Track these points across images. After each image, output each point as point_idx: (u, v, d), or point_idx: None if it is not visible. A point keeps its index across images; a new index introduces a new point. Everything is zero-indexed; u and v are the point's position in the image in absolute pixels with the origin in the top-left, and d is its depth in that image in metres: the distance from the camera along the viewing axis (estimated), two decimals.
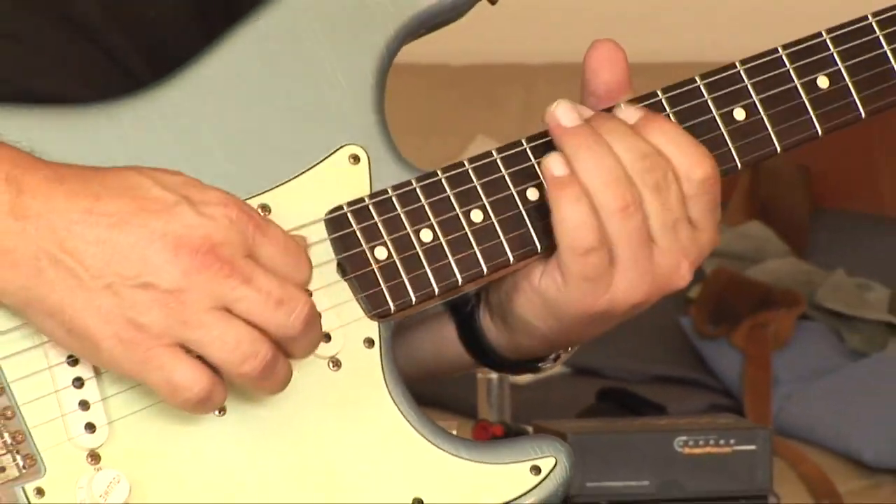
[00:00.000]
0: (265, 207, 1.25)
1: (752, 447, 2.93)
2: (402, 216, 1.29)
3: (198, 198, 1.17)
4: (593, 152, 1.22)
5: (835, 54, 1.31)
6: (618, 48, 1.31)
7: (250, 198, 1.26)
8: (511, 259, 1.25)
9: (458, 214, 1.26)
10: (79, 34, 1.36)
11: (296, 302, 1.16)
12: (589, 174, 1.21)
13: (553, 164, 1.22)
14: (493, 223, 1.26)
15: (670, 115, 1.29)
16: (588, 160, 1.21)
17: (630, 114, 1.23)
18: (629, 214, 1.22)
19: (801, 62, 1.30)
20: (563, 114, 1.23)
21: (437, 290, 1.25)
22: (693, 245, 1.23)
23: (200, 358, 1.12)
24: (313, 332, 1.18)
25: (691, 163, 1.26)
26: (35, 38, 1.34)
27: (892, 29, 1.33)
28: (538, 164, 1.25)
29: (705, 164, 1.26)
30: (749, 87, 1.30)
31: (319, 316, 1.21)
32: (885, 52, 1.33)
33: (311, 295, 1.22)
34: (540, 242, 1.25)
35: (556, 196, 1.21)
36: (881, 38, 1.34)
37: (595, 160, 1.22)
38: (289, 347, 1.15)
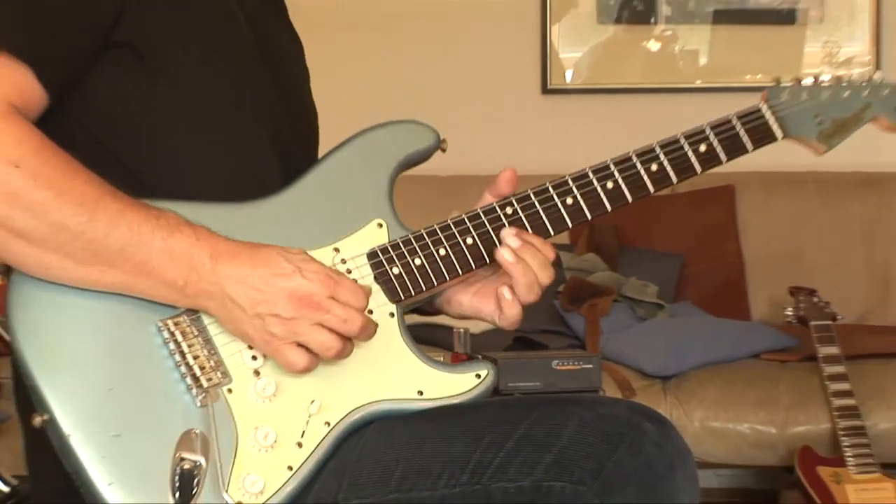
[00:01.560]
0: (337, 249, 1.83)
1: (591, 365, 3.60)
2: (405, 253, 1.85)
3: (304, 266, 1.70)
4: (531, 258, 1.83)
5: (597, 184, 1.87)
6: (514, 174, 1.90)
7: (331, 244, 1.83)
8: (460, 273, 1.85)
9: (433, 251, 1.84)
10: (274, 151, 1.90)
11: (355, 320, 1.71)
12: (527, 260, 1.81)
13: (507, 254, 1.82)
14: (450, 257, 1.84)
15: (518, 213, 1.86)
16: (522, 259, 1.81)
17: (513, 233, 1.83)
18: (532, 282, 1.82)
19: (594, 177, 1.87)
20: (508, 234, 1.83)
21: (423, 289, 1.85)
22: (544, 283, 1.84)
23: (307, 348, 1.70)
24: (366, 333, 1.73)
25: (547, 250, 1.85)
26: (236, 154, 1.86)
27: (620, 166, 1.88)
28: (493, 231, 1.84)
29: (551, 252, 1.86)
30: (573, 187, 1.87)
31: (371, 324, 1.73)
32: (616, 179, 1.87)
33: (370, 312, 1.78)
34: (474, 266, 1.85)
35: (509, 267, 1.82)
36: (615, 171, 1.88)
37: (526, 259, 1.82)
38: (354, 339, 1.72)
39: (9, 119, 1.62)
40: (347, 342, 1.71)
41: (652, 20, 5.02)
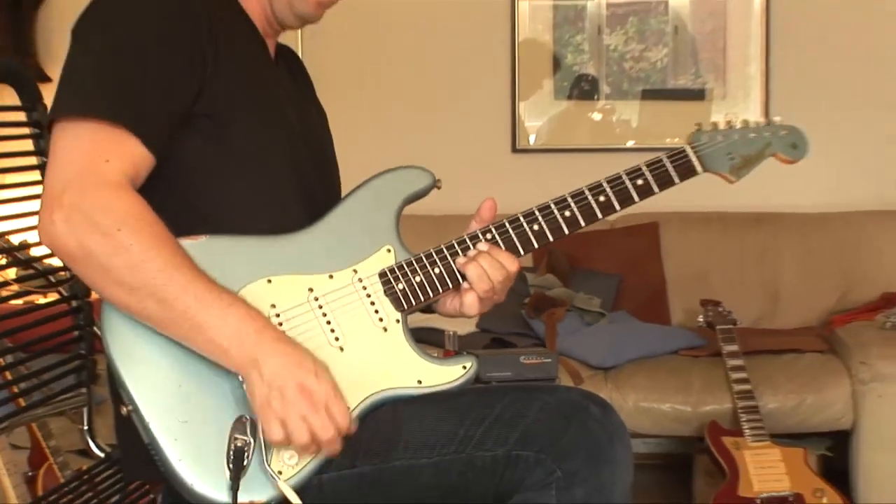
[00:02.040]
0: (356, 270, 1.80)
1: (550, 360, 3.46)
2: (408, 272, 1.82)
3: (321, 374, 1.66)
4: (490, 268, 1.82)
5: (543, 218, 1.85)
6: (493, 202, 1.87)
7: (350, 266, 1.81)
8: (450, 287, 1.83)
9: (429, 269, 1.82)
10: (302, 194, 1.87)
11: (330, 432, 1.65)
12: (489, 273, 1.81)
13: (473, 268, 1.81)
14: (443, 274, 1.82)
15: (496, 237, 1.84)
16: (487, 271, 1.81)
17: (486, 246, 1.82)
18: (491, 287, 1.82)
19: (554, 207, 1.85)
20: (483, 245, 1.83)
21: (422, 301, 1.82)
22: (502, 292, 1.86)
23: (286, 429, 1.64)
24: (330, 447, 1.67)
25: (510, 263, 1.83)
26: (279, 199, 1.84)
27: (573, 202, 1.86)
28: (455, 260, 1.82)
29: (514, 265, 1.84)
30: (539, 216, 1.84)
31: (338, 445, 1.67)
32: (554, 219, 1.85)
33: (381, 320, 1.79)
34: (460, 281, 1.83)
35: (475, 279, 1.82)
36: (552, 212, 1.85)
37: (489, 270, 1.81)
38: (320, 445, 1.67)
39: (121, 192, 1.62)
40: (313, 444, 1.67)
41: (595, 97, 4.99)
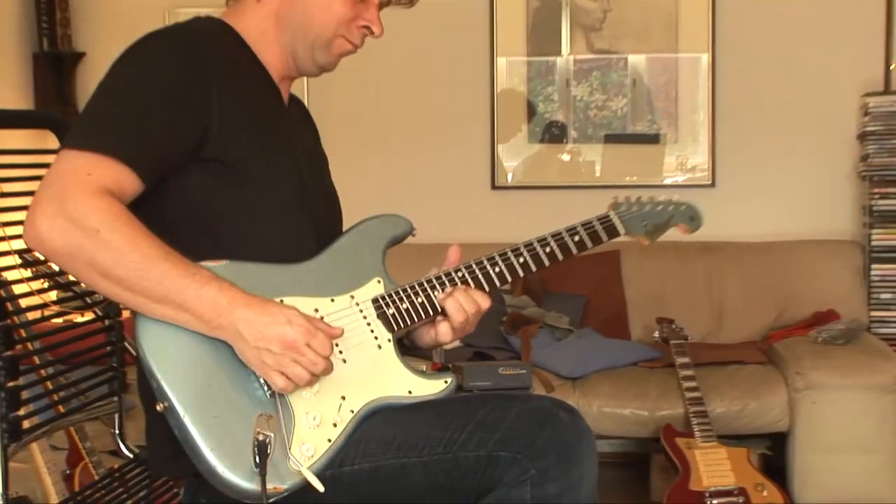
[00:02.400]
0: (353, 296, 1.81)
1: (525, 371, 3.53)
2: (396, 300, 1.83)
3: (294, 320, 1.66)
4: (465, 303, 1.85)
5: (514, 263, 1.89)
6: (459, 251, 1.90)
7: (348, 293, 1.81)
8: (431, 314, 1.84)
9: (413, 299, 1.84)
10: (310, 234, 1.86)
11: (320, 363, 1.67)
12: (465, 307, 1.84)
13: (451, 303, 1.84)
14: (426, 303, 1.84)
15: (466, 276, 1.87)
16: (462, 305, 1.84)
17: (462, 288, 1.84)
18: (465, 319, 1.85)
19: (511, 254, 1.89)
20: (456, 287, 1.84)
21: (409, 324, 1.84)
22: (473, 324, 1.87)
23: (287, 375, 1.66)
24: (326, 373, 1.69)
25: (483, 300, 1.86)
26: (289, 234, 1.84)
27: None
28: (438, 295, 1.84)
29: (487, 302, 1.87)
30: (499, 260, 1.89)
31: (330, 366, 1.69)
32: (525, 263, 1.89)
33: (376, 339, 1.80)
34: (439, 310, 1.85)
35: (453, 312, 1.84)
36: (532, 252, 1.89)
37: (464, 304, 1.84)
38: (319, 374, 1.68)
39: (96, 196, 1.60)
40: (314, 376, 1.69)
41: (564, 141, 4.96)
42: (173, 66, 1.70)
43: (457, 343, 4.23)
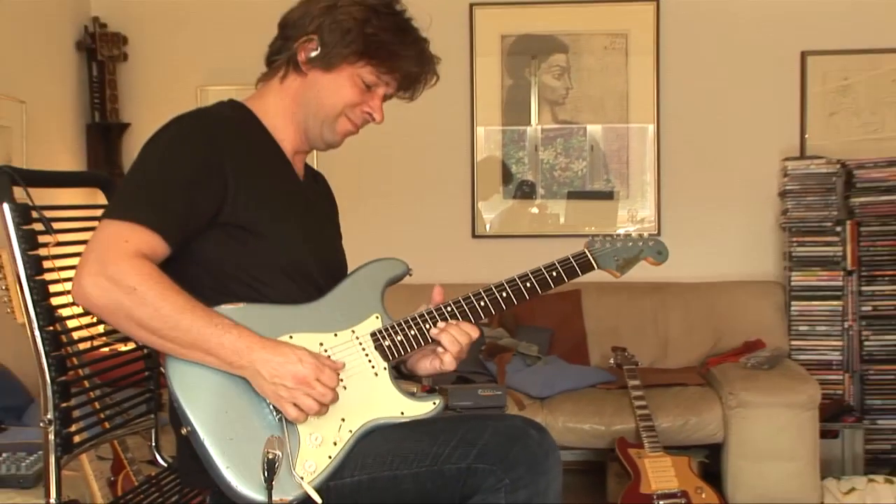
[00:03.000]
0: (353, 331, 1.77)
1: (500, 392, 3.53)
2: (391, 333, 1.80)
3: (304, 359, 1.66)
4: (458, 335, 1.82)
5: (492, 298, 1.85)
6: (442, 290, 1.86)
7: (350, 328, 1.78)
8: (422, 345, 1.81)
9: (407, 332, 1.80)
10: (306, 282, 1.82)
11: (328, 395, 1.66)
12: (458, 339, 1.81)
13: (445, 336, 1.81)
14: (419, 335, 1.80)
15: (454, 310, 1.82)
16: (456, 338, 1.81)
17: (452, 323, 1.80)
18: (460, 349, 1.82)
19: (495, 289, 1.85)
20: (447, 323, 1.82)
21: (403, 355, 1.81)
22: (466, 352, 1.84)
23: (299, 407, 1.65)
24: (335, 402, 1.68)
25: (473, 331, 1.83)
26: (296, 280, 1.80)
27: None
28: (432, 326, 1.80)
29: (476, 332, 1.84)
30: (483, 295, 1.84)
31: (336, 397, 1.67)
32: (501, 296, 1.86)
33: (373, 367, 1.76)
34: (430, 341, 1.81)
35: (448, 344, 1.81)
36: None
37: (458, 337, 1.82)
38: (327, 404, 1.67)
39: (133, 259, 1.61)
40: (323, 406, 1.69)
41: (533, 197, 4.93)
42: (194, 149, 1.70)
43: None
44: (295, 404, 1.65)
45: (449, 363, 1.83)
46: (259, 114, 1.86)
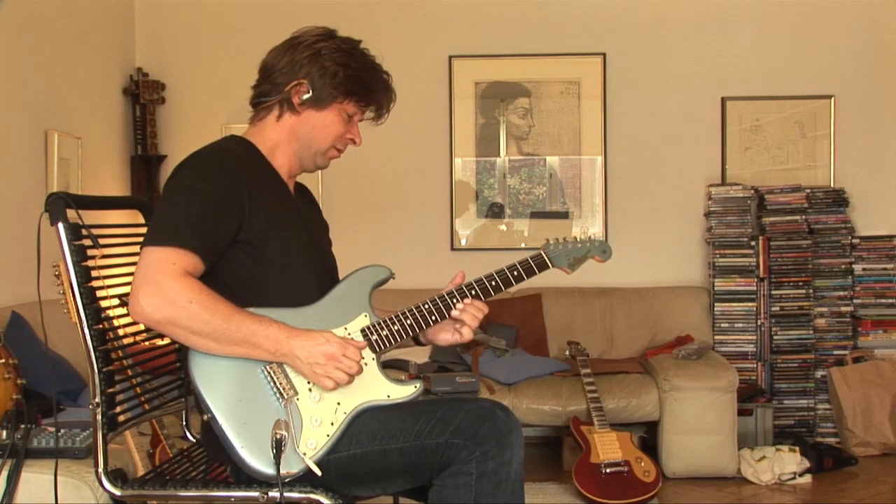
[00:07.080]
0: (346, 328, 1.74)
1: (474, 379, 3.60)
2: (378, 330, 1.76)
3: (331, 340, 1.65)
4: (475, 311, 1.82)
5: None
6: (462, 276, 1.83)
7: (343, 325, 1.74)
8: (405, 339, 1.77)
9: (391, 328, 1.76)
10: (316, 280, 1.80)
11: (353, 367, 1.66)
12: (476, 315, 1.81)
13: (467, 314, 1.81)
14: (401, 330, 1.75)
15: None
16: (475, 313, 1.81)
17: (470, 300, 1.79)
18: (478, 321, 1.81)
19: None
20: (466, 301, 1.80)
21: (389, 346, 1.76)
22: (477, 320, 1.83)
23: (332, 378, 1.64)
24: (360, 373, 1.69)
25: (485, 307, 1.81)
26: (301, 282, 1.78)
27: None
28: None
29: (487, 308, 1.83)
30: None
31: (361, 368, 1.66)
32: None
33: (363, 358, 1.70)
34: (411, 334, 1.77)
35: (469, 320, 1.81)
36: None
37: (475, 313, 1.81)
38: (354, 375, 1.67)
39: (184, 277, 1.61)
40: (350, 376, 1.68)
41: (502, 216, 4.89)
42: (217, 179, 1.69)
43: (426, 359, 4.32)
44: (329, 377, 1.63)
45: (467, 335, 1.81)
46: (259, 146, 1.83)
